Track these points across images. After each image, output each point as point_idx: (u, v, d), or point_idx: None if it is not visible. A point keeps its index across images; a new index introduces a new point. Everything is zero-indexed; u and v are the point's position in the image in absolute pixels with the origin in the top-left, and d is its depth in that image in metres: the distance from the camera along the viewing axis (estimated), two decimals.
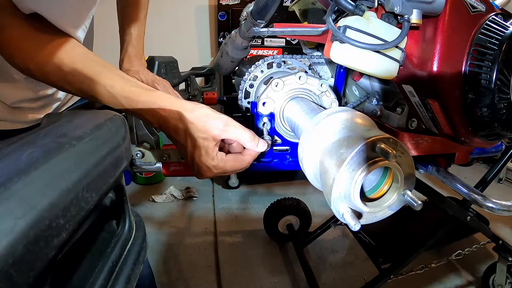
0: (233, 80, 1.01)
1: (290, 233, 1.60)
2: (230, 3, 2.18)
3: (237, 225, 1.82)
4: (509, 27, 0.54)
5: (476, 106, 0.54)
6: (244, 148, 0.51)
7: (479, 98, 0.53)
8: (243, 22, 0.75)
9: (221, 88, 2.18)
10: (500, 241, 1.16)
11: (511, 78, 0.53)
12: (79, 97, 0.78)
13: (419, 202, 0.36)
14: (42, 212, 0.19)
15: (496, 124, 0.55)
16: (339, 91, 0.77)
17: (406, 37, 0.52)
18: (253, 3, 0.68)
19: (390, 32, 0.52)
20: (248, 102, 0.76)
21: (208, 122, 0.46)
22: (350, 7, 0.52)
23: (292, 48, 2.10)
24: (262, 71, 0.75)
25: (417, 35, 0.56)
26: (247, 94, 0.76)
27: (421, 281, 1.39)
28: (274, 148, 0.61)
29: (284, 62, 0.77)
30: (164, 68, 0.95)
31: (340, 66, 0.75)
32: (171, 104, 0.47)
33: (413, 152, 0.62)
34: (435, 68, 0.52)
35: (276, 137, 0.61)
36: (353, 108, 0.76)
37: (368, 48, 0.50)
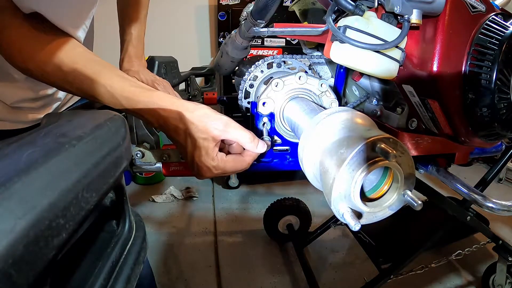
0: (233, 80, 1.01)
1: (290, 233, 1.59)
2: (230, 3, 2.18)
3: (237, 225, 1.82)
4: (509, 27, 0.54)
5: (476, 106, 0.54)
6: (244, 149, 0.51)
7: (479, 98, 0.53)
8: (243, 22, 0.75)
9: (221, 88, 2.18)
10: (500, 241, 1.16)
11: (511, 78, 0.53)
12: (79, 97, 0.78)
13: (419, 202, 0.36)
14: (42, 212, 0.19)
15: (496, 124, 0.55)
16: (339, 91, 0.77)
17: (406, 37, 0.52)
18: (253, 3, 0.68)
19: (390, 32, 0.52)
20: (248, 102, 0.76)
21: (208, 123, 0.46)
22: (350, 7, 0.52)
23: (292, 48, 2.10)
24: (262, 71, 0.75)
25: (417, 35, 0.56)
26: (247, 94, 0.76)
27: (421, 281, 1.39)
28: (274, 148, 0.61)
29: (284, 62, 0.77)
30: (164, 68, 0.95)
31: (340, 66, 0.74)
32: (171, 104, 0.47)
33: (413, 152, 0.62)
34: (435, 68, 0.52)
35: (276, 137, 0.61)
36: (353, 108, 0.76)
37: (368, 48, 0.50)
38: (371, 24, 0.51)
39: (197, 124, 0.46)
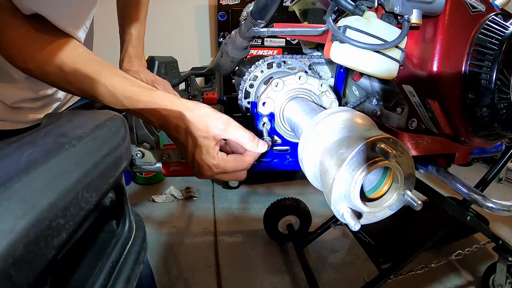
0: (233, 80, 1.01)
1: (290, 233, 1.59)
2: (230, 3, 2.18)
3: (237, 225, 1.82)
4: (509, 27, 0.54)
5: (476, 106, 0.54)
6: (245, 149, 0.51)
7: (479, 98, 0.53)
8: (243, 22, 0.75)
9: (221, 88, 2.18)
10: (500, 241, 1.16)
11: (511, 78, 0.53)
12: (79, 97, 0.78)
13: (419, 202, 0.36)
14: (42, 212, 0.19)
15: (496, 124, 0.55)
16: (339, 91, 0.77)
17: (406, 37, 0.52)
18: (253, 3, 0.68)
19: (390, 32, 0.52)
20: (248, 102, 0.76)
21: (209, 122, 0.46)
22: (350, 7, 0.52)
23: (292, 48, 2.10)
24: (262, 71, 0.75)
25: (417, 35, 0.56)
26: (247, 94, 0.76)
27: (421, 281, 1.39)
28: (274, 148, 0.61)
29: (284, 62, 0.77)
30: (164, 68, 0.95)
31: (340, 66, 0.74)
32: (172, 104, 0.47)
33: (413, 152, 0.62)
34: (435, 68, 0.52)
35: (276, 137, 0.61)
36: (353, 108, 0.76)
37: (368, 48, 0.50)
38: (371, 24, 0.51)
39: (197, 123, 0.46)
